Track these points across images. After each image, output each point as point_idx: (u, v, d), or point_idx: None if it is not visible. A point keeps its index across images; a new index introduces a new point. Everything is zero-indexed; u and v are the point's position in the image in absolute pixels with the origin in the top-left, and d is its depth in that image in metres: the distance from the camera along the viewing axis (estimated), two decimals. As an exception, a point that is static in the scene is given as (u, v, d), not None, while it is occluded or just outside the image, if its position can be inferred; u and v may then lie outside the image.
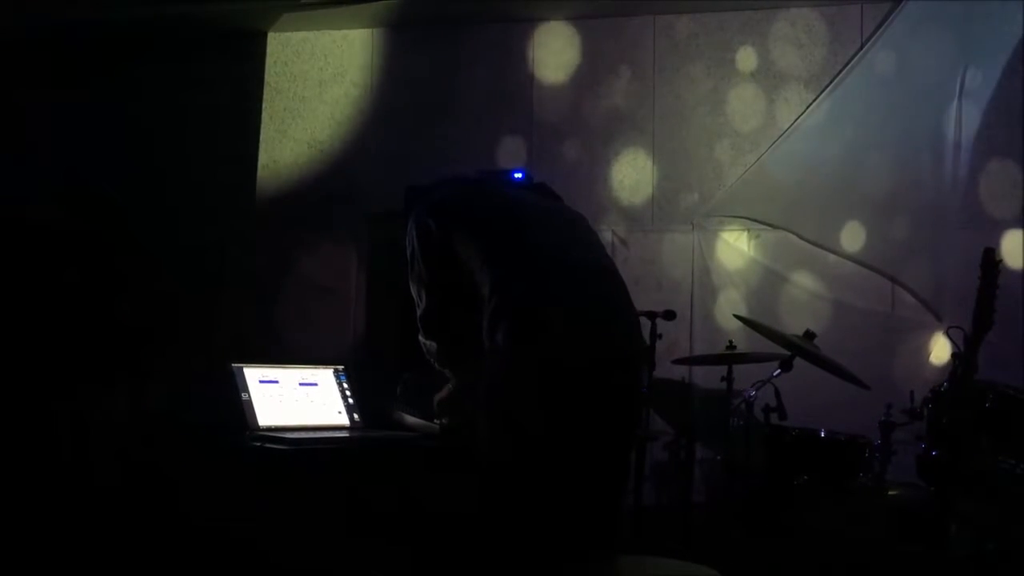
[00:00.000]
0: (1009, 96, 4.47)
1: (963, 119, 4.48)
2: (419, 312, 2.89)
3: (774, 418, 3.90)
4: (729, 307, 4.57)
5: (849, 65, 4.62)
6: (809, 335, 3.96)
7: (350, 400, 3.22)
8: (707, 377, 4.47)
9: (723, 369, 4.10)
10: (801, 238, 4.65)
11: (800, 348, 3.89)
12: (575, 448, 2.65)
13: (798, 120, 4.68)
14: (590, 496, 2.71)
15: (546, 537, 2.61)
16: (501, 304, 2.68)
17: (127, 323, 4.70)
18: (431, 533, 2.79)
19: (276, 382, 3.08)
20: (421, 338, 2.93)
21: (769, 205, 4.70)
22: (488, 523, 2.66)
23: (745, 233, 4.76)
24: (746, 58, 4.80)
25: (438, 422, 3.04)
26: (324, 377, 3.22)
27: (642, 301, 3.50)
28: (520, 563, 2.60)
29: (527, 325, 2.66)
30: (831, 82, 4.65)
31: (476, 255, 2.77)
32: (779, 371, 3.91)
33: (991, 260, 3.35)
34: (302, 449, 2.78)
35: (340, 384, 3.23)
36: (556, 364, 2.64)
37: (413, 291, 2.91)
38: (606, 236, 4.71)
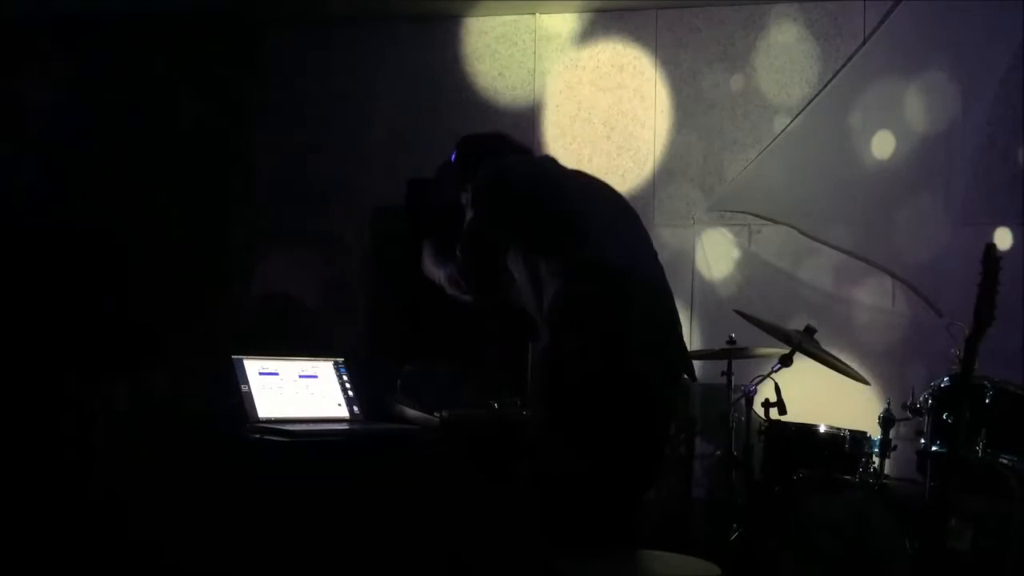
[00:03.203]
0: (1010, 92, 4.46)
1: (964, 115, 4.48)
2: (463, 259, 2.97)
3: (774, 413, 3.90)
4: (729, 302, 4.56)
5: (851, 60, 4.61)
6: (809, 330, 3.95)
7: (350, 393, 3.21)
8: (707, 372, 4.47)
9: (723, 364, 4.10)
10: (802, 233, 4.64)
11: (800, 343, 3.88)
12: (616, 450, 2.71)
13: (799, 115, 4.67)
14: (623, 494, 2.79)
15: (576, 531, 2.66)
16: (563, 285, 2.75)
17: (129, 316, 4.71)
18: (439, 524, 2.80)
19: (276, 374, 3.07)
20: (451, 269, 3.02)
21: (770, 200, 4.69)
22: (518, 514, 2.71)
23: (746, 228, 4.75)
24: (748, 52, 4.79)
25: (438, 415, 3.04)
26: (324, 369, 3.21)
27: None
28: (542, 552, 2.63)
29: (587, 310, 2.73)
30: (833, 77, 4.64)
31: (546, 229, 2.84)
32: (779, 366, 3.90)
33: (992, 256, 3.34)
34: (301, 441, 2.78)
35: (340, 376, 3.23)
36: (615, 364, 2.70)
37: (460, 248, 2.97)
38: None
